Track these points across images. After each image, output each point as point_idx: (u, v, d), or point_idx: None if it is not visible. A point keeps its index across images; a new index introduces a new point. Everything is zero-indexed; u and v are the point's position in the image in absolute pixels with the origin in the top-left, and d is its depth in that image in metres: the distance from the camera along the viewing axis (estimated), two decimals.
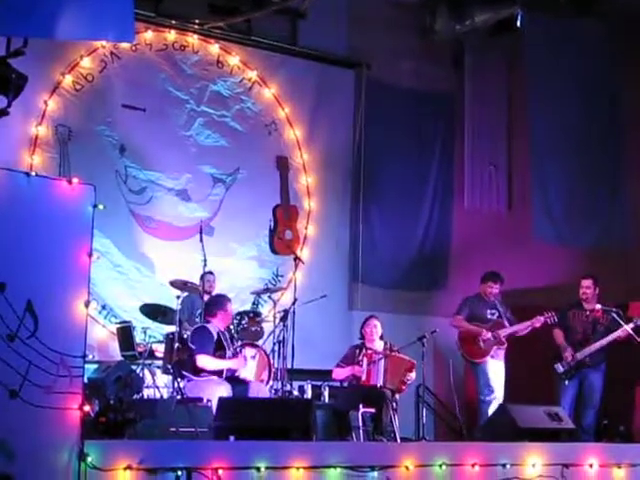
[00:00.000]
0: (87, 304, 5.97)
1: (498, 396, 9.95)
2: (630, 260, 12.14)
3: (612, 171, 13.02)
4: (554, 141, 12.76)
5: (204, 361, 8.58)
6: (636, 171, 13.08)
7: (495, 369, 10.00)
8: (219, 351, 8.74)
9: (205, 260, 9.49)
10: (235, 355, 8.93)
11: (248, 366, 8.94)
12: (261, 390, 8.76)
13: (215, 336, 8.77)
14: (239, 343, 9.40)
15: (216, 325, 8.88)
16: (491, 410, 9.69)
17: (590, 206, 12.72)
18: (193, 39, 11.46)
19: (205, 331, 8.80)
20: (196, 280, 9.88)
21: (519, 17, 11.57)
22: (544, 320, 9.97)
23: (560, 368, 10.15)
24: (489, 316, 10.11)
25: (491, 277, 10.27)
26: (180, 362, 8.85)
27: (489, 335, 9.93)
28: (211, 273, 9.91)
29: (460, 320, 10.10)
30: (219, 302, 9.05)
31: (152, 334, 10.13)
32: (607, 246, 12.38)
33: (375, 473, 6.78)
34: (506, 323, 10.08)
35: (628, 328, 9.77)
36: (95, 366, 9.36)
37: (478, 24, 11.95)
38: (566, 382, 10.12)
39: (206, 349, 8.64)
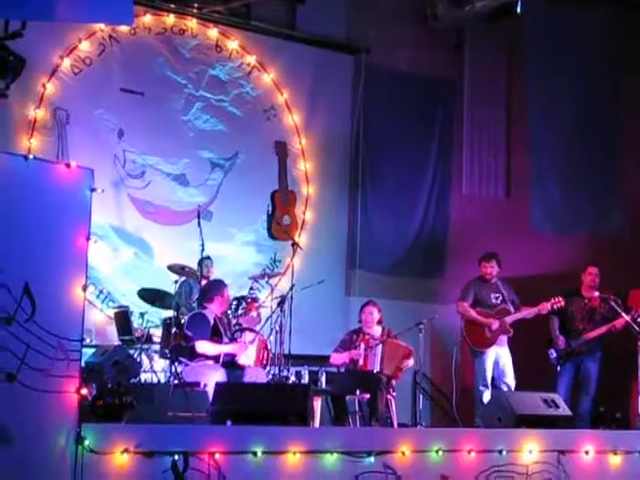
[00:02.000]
0: (85, 288, 5.97)
1: (509, 382, 9.95)
2: (628, 248, 12.16)
3: (609, 160, 13.03)
4: (552, 129, 12.76)
5: (204, 347, 8.59)
6: (633, 160, 13.09)
7: (499, 355, 10.00)
8: (215, 337, 8.75)
9: (203, 245, 9.48)
10: (233, 340, 8.94)
11: (247, 351, 8.94)
12: (258, 375, 8.77)
13: (211, 322, 8.78)
14: (237, 328, 9.40)
15: (213, 311, 8.88)
16: (486, 400, 9.72)
17: (587, 195, 12.73)
18: (192, 23, 11.42)
19: (201, 317, 8.81)
20: (194, 265, 9.88)
21: (519, 3, 11.52)
22: (550, 306, 9.96)
23: (553, 354, 10.20)
24: (493, 300, 10.08)
25: (483, 257, 10.26)
26: (178, 347, 8.86)
27: (497, 325, 9.92)
28: (209, 258, 9.90)
29: (466, 307, 10.06)
30: (216, 287, 9.05)
31: (150, 318, 10.14)
32: (604, 235, 12.39)
33: (372, 458, 6.80)
34: (511, 308, 10.03)
35: (626, 317, 9.79)
36: (93, 350, 9.33)
37: (478, 9, 11.91)
38: (558, 368, 10.16)
39: (203, 335, 8.65)
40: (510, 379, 9.94)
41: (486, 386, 9.93)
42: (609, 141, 13.06)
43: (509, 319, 9.96)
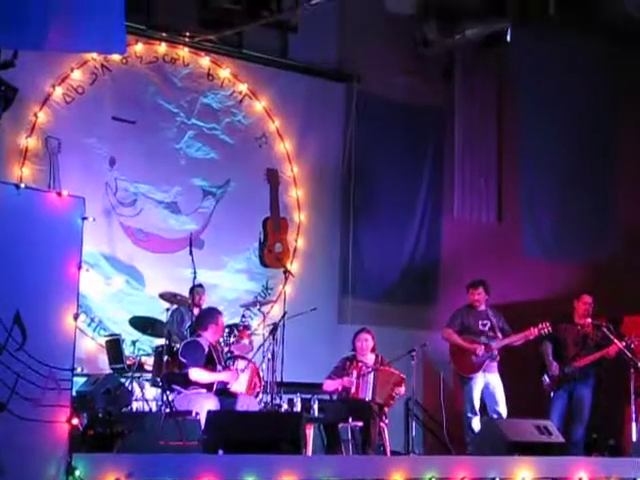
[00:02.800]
0: (76, 317, 5.95)
1: (501, 410, 9.91)
2: (620, 274, 12.17)
3: (601, 186, 13.08)
4: (543, 156, 12.80)
5: (197, 374, 8.57)
6: (625, 186, 13.14)
7: (488, 382, 9.97)
8: (209, 365, 8.72)
9: (195, 273, 9.47)
10: (226, 368, 8.92)
11: (239, 379, 8.92)
12: (250, 403, 8.74)
13: (206, 350, 8.76)
14: (229, 356, 9.38)
15: (207, 339, 8.87)
16: (475, 427, 9.69)
17: (578, 222, 12.76)
18: (184, 52, 11.46)
19: (196, 345, 8.79)
20: (186, 293, 9.86)
21: (509, 31, 11.59)
22: (538, 332, 9.95)
23: (547, 380, 10.19)
24: (481, 327, 10.07)
25: (470, 285, 10.26)
26: (170, 375, 8.83)
27: (482, 350, 9.90)
28: (200, 286, 9.89)
29: (451, 333, 10.06)
30: (211, 315, 9.05)
31: (141, 347, 10.10)
32: (596, 261, 12.41)
33: None
34: (499, 334, 10.03)
35: (619, 344, 9.79)
36: (84, 379, 9.31)
37: (469, 38, 11.98)
38: (551, 394, 10.15)
39: (197, 363, 8.63)
40: (501, 407, 9.90)
41: (474, 413, 9.90)
42: (600, 167, 13.11)
43: (496, 345, 9.95)
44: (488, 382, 9.96)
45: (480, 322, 10.09)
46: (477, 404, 9.91)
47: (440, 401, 9.54)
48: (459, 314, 10.20)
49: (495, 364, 10.01)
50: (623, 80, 13.04)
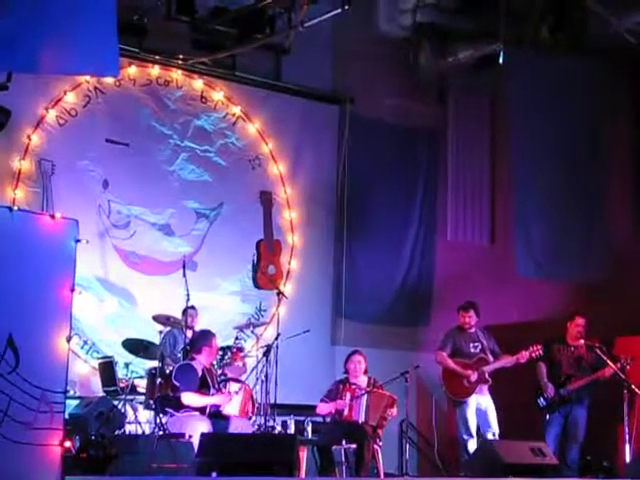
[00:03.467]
0: (69, 339, 5.95)
1: (494, 429, 9.90)
2: (613, 295, 12.18)
3: (593, 206, 13.10)
4: (536, 176, 12.83)
5: (189, 398, 8.55)
6: (617, 206, 13.17)
7: (480, 404, 9.96)
8: (203, 388, 8.71)
9: (188, 295, 9.48)
10: (219, 391, 8.90)
11: (232, 401, 8.90)
12: (243, 425, 8.72)
13: (199, 373, 8.76)
14: (222, 378, 9.36)
15: (201, 362, 8.86)
16: (471, 449, 9.68)
17: (572, 241, 12.77)
18: (177, 74, 11.49)
19: (189, 368, 8.79)
20: (179, 315, 9.85)
21: (502, 53, 11.63)
22: (529, 355, 9.96)
23: (542, 402, 10.19)
24: (472, 350, 10.07)
25: (461, 307, 10.27)
26: (163, 397, 8.81)
27: (475, 376, 9.89)
28: (193, 308, 9.88)
29: (444, 357, 10.05)
30: (204, 338, 9.04)
31: (134, 369, 10.07)
32: (589, 281, 12.42)
33: None
34: (490, 357, 10.03)
35: (613, 366, 9.79)
36: (77, 402, 9.31)
37: (461, 60, 12.04)
38: (547, 416, 10.15)
39: (190, 387, 8.62)
40: (494, 427, 9.90)
41: (470, 435, 9.88)
42: (593, 188, 13.13)
43: (487, 369, 9.95)
44: (480, 404, 9.95)
45: (471, 344, 10.09)
46: (472, 426, 9.90)
47: (432, 423, 9.52)
48: (450, 336, 10.19)
49: (486, 386, 10.00)
50: (614, 101, 13.09)
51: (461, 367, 9.95)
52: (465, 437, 9.87)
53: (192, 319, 9.85)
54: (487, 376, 9.93)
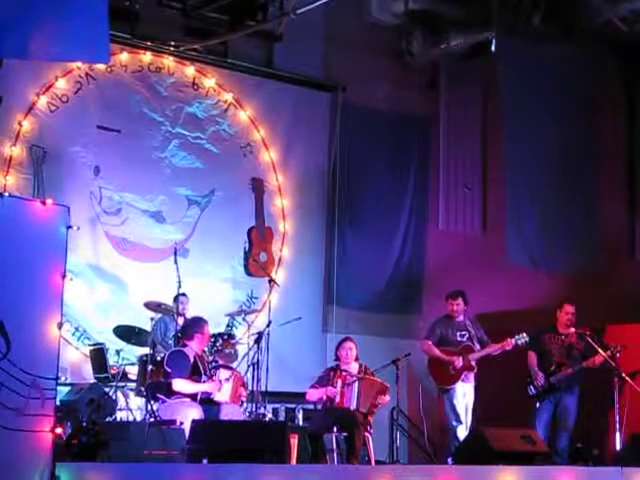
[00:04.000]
0: (60, 326, 5.94)
1: (466, 420, 9.94)
2: (604, 284, 12.21)
3: (586, 196, 13.14)
4: (528, 165, 12.86)
5: (180, 385, 8.55)
6: (610, 196, 13.20)
7: (464, 392, 10.00)
8: (195, 375, 8.71)
9: (180, 282, 9.48)
10: (210, 378, 8.90)
11: (223, 389, 8.90)
12: (234, 412, 8.73)
13: (192, 360, 8.75)
14: (213, 365, 9.36)
15: (193, 348, 8.86)
16: (460, 436, 9.71)
17: (564, 231, 12.80)
18: (169, 61, 11.46)
19: (181, 355, 8.79)
20: (170, 302, 9.85)
21: (494, 41, 11.64)
22: (514, 342, 10.00)
23: (532, 390, 10.23)
24: (459, 338, 10.10)
25: (449, 295, 10.30)
26: (154, 384, 8.81)
27: (460, 363, 9.92)
28: (184, 295, 9.87)
29: (430, 346, 10.08)
30: (196, 325, 9.03)
31: (125, 356, 10.08)
32: (581, 271, 12.46)
33: None
34: (477, 346, 10.06)
35: (603, 354, 9.81)
36: (68, 388, 9.30)
37: (453, 48, 12.04)
38: (537, 404, 10.18)
39: (182, 373, 8.62)
40: (469, 417, 9.94)
41: (459, 421, 9.92)
42: (586, 177, 13.18)
43: (473, 356, 9.99)
44: (465, 392, 9.99)
45: (458, 333, 10.12)
46: (461, 412, 9.93)
47: (420, 412, 9.54)
48: (437, 325, 10.23)
49: (472, 374, 10.03)
50: (607, 89, 13.10)
51: (446, 355, 9.97)
52: (454, 424, 9.91)
53: (183, 306, 9.85)
54: (473, 363, 9.96)
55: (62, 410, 8.05)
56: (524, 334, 10.00)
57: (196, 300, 10.41)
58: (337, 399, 9.17)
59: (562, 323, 10.34)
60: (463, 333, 10.12)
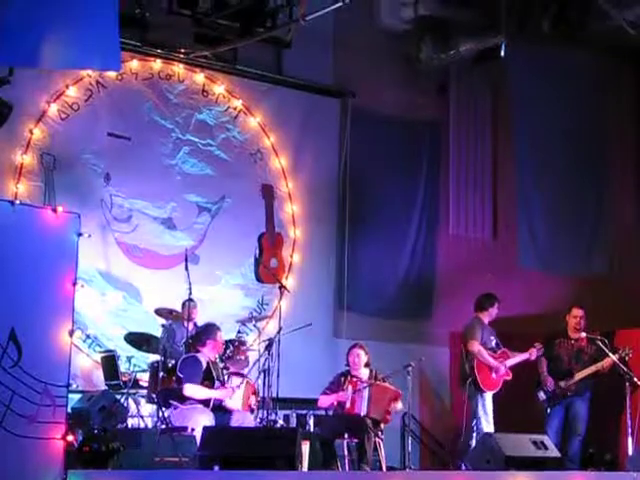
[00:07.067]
0: (71, 333, 5.96)
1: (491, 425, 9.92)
2: (614, 287, 12.19)
3: (596, 199, 13.12)
4: (539, 169, 12.85)
5: (191, 390, 8.57)
6: (620, 199, 13.18)
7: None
8: (208, 381, 8.72)
9: (190, 289, 9.48)
10: (222, 385, 8.91)
11: (234, 396, 8.91)
12: (245, 419, 8.73)
13: (204, 366, 8.77)
14: (225, 372, 9.37)
15: (206, 354, 8.87)
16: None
17: (574, 234, 12.79)
18: (179, 68, 11.48)
19: (195, 361, 8.81)
20: (180, 309, 9.86)
21: (503, 46, 11.63)
22: (537, 352, 10.02)
23: (542, 396, 10.20)
24: (493, 344, 10.06)
25: (496, 299, 10.21)
26: (166, 390, 8.82)
27: (503, 369, 9.92)
28: (192, 300, 9.85)
29: (482, 350, 9.92)
30: (209, 331, 9.05)
31: (137, 363, 10.07)
32: (592, 274, 12.44)
33: None
34: (508, 352, 10.06)
35: (613, 358, 9.80)
36: (79, 395, 9.31)
37: (463, 53, 12.04)
38: (548, 410, 10.16)
39: (194, 379, 8.63)
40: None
41: (490, 423, 9.87)
42: (597, 180, 13.16)
43: (509, 363, 9.98)
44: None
45: (491, 337, 10.09)
46: (492, 415, 9.90)
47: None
48: (479, 328, 10.10)
49: None
50: (616, 94, 13.09)
51: (495, 361, 9.94)
52: (485, 426, 9.78)
53: (191, 311, 9.82)
54: (509, 371, 9.95)
55: (73, 417, 8.06)
56: (540, 345, 10.03)
57: (207, 307, 10.43)
58: (348, 405, 9.16)
59: (572, 327, 10.32)
60: (492, 338, 10.10)
